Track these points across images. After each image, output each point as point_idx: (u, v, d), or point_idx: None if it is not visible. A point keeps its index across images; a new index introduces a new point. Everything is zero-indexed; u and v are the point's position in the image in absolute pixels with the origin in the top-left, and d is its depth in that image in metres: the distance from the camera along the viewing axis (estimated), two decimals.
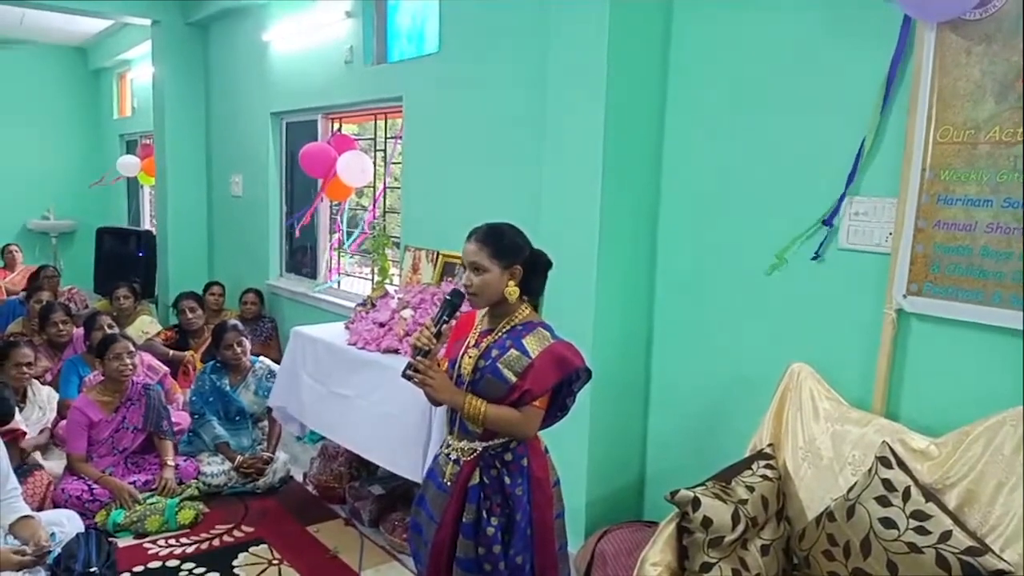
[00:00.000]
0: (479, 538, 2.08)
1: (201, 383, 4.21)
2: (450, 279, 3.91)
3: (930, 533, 1.93)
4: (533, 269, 2.11)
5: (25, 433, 3.66)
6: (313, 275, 5.72)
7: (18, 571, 2.65)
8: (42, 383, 4.32)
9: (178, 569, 3.18)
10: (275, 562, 3.26)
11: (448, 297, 2.08)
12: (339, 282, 5.54)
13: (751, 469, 2.32)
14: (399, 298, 3.73)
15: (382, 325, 3.53)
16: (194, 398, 4.20)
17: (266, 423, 4.26)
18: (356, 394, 3.37)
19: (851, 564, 2.07)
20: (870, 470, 2.09)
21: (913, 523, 1.96)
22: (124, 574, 3.09)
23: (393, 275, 4.39)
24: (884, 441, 2.13)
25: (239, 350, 4.22)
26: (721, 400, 2.80)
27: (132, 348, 3.87)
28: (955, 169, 2.13)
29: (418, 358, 2.01)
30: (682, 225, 2.91)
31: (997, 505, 1.94)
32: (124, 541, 3.38)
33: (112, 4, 6.36)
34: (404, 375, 2.03)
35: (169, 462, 3.79)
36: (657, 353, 3.04)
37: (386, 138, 4.98)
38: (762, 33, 2.61)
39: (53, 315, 4.84)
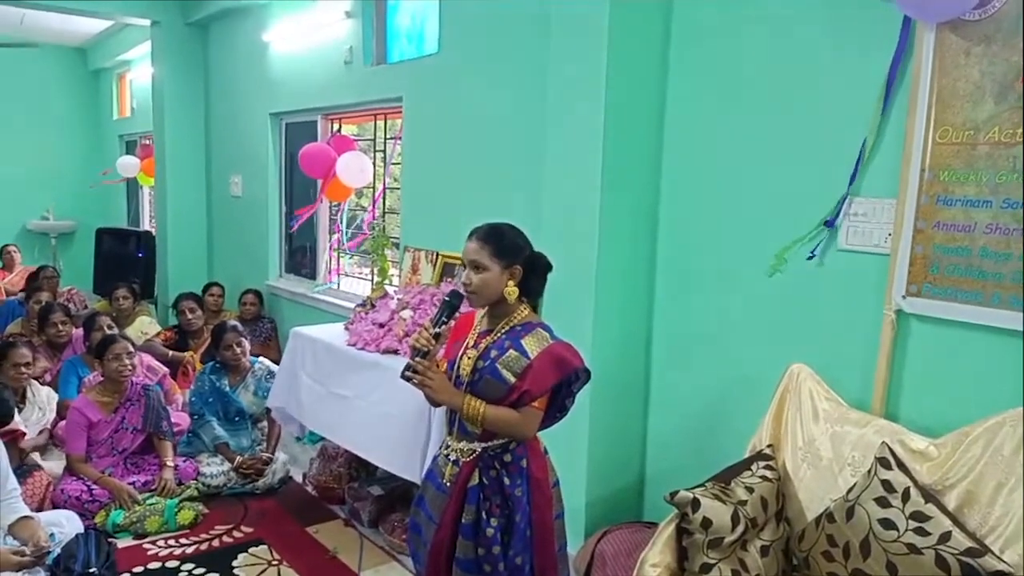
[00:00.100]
0: (478, 539, 2.08)
1: (200, 384, 4.21)
2: (449, 280, 3.91)
3: (930, 534, 1.93)
4: (533, 270, 2.11)
5: (24, 434, 3.66)
6: (312, 276, 5.71)
7: (17, 572, 2.65)
8: (41, 383, 4.32)
9: (178, 570, 3.18)
10: (274, 563, 3.26)
11: (447, 298, 2.08)
12: (338, 283, 5.54)
13: (751, 470, 2.32)
14: (398, 299, 3.73)
15: (381, 326, 3.53)
16: (193, 399, 4.20)
17: (265, 424, 4.26)
18: (355, 395, 3.37)
19: (851, 565, 2.07)
20: (869, 471, 2.09)
21: (912, 524, 1.96)
22: (123, 575, 3.09)
23: (392, 276, 4.39)
24: (883, 442, 2.13)
25: (238, 351, 4.22)
26: (720, 401, 2.80)
27: (131, 349, 3.87)
28: (954, 170, 2.13)
29: (417, 359, 2.01)
30: (682, 225, 2.91)
31: (997, 506, 1.94)
32: (123, 542, 3.38)
33: (112, 4, 6.36)
34: (403, 376, 2.03)
35: (168, 463, 3.79)
36: (657, 354, 3.04)
37: (386, 139, 4.98)
38: (762, 34, 2.61)
39: (52, 316, 4.84)
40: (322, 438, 3.98)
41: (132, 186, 9.15)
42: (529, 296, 2.14)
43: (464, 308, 2.16)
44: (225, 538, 3.47)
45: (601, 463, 2.95)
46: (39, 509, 3.25)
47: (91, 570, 2.81)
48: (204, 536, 3.47)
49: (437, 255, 4.11)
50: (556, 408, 2.11)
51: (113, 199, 9.51)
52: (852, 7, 2.35)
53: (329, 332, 3.77)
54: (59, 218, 9.53)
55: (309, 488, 3.99)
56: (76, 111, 9.70)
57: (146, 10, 6.40)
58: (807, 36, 2.49)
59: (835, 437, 2.29)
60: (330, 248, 5.58)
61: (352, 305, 4.36)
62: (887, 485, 2.03)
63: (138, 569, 3.17)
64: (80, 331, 4.82)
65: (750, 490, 2.23)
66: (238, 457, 3.99)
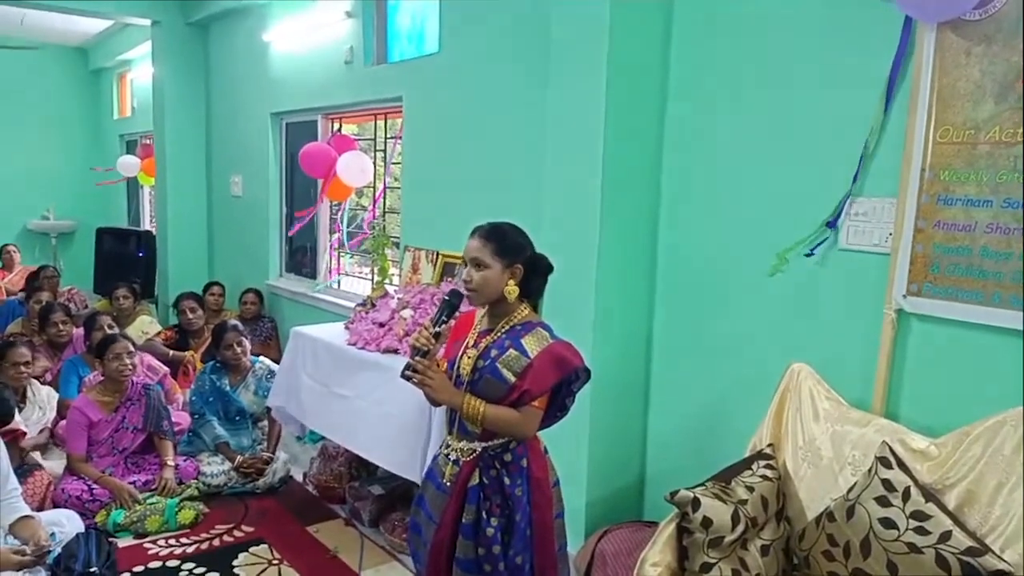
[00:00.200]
0: (479, 538, 2.08)
1: (201, 383, 4.22)
2: (450, 279, 3.91)
3: (930, 533, 1.93)
4: (534, 270, 2.11)
5: (25, 433, 3.67)
6: (313, 275, 5.72)
7: (18, 571, 2.65)
8: (42, 383, 4.33)
9: (178, 569, 3.18)
10: (275, 562, 3.26)
11: (447, 297, 2.08)
12: (339, 282, 5.54)
13: (751, 469, 2.32)
14: (399, 298, 3.73)
15: (382, 325, 3.53)
16: (194, 398, 4.20)
17: (266, 423, 4.26)
18: (356, 394, 3.37)
19: (851, 564, 2.07)
20: (870, 470, 2.09)
21: (913, 523, 1.96)
22: (124, 574, 3.10)
23: (393, 275, 4.39)
24: (884, 441, 2.13)
25: (239, 350, 4.22)
26: (721, 400, 2.80)
27: (132, 348, 3.87)
28: (955, 169, 2.13)
29: (417, 358, 2.01)
30: (682, 225, 2.91)
31: (997, 505, 1.94)
32: (124, 541, 3.38)
33: (112, 4, 6.36)
34: (403, 375, 2.03)
35: (169, 462, 3.79)
36: (657, 353, 3.04)
37: (386, 138, 4.98)
38: (763, 34, 2.61)
39: (53, 315, 4.84)
40: (322, 437, 3.98)
41: (132, 186, 9.16)
42: (529, 296, 2.14)
43: (464, 307, 2.16)
44: (226, 537, 3.47)
45: (601, 462, 2.96)
46: (40, 508, 3.25)
47: (92, 569, 2.81)
48: (205, 535, 3.47)
49: (437, 254, 4.11)
50: (556, 407, 2.11)
51: (113, 199, 9.51)
52: (853, 7, 2.35)
53: (329, 331, 3.77)
54: (59, 218, 9.54)
55: (310, 487, 3.99)
56: (77, 111, 9.71)
57: (147, 10, 6.40)
58: (808, 36, 2.48)
59: (835, 436, 2.29)
60: (330, 247, 5.59)
61: (352, 304, 4.36)
62: (887, 484, 2.03)
63: (139, 568, 3.18)
64: (81, 331, 4.83)
65: (750, 489, 2.23)
66: (239, 456, 3.99)
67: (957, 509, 1.99)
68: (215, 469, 3.91)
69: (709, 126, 2.79)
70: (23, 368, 3.95)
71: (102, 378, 3.86)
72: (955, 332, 2.17)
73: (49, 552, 2.75)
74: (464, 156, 3.95)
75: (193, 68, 6.66)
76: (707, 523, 2.12)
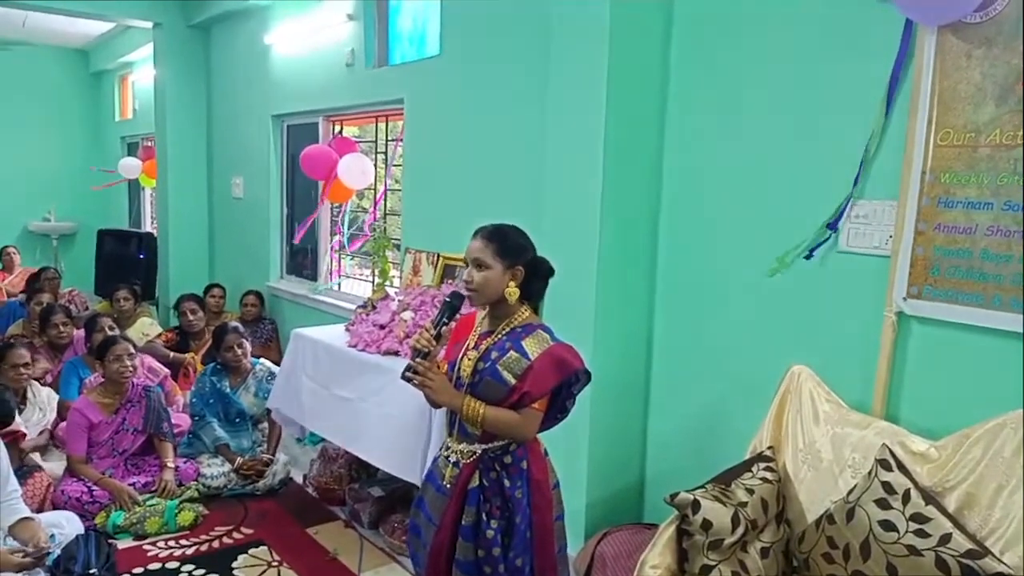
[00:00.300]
0: (478, 540, 2.08)
1: (201, 385, 4.21)
2: (450, 281, 3.91)
3: (930, 536, 1.92)
4: (535, 272, 2.12)
5: (25, 434, 3.67)
6: (313, 277, 5.72)
7: (18, 573, 2.65)
8: (42, 385, 4.33)
9: (178, 571, 3.18)
10: (275, 564, 3.25)
11: (448, 299, 2.09)
12: (339, 284, 5.54)
13: (751, 471, 2.32)
14: (399, 300, 3.73)
15: (382, 327, 3.54)
16: (194, 400, 4.20)
17: (266, 425, 4.26)
18: (356, 396, 3.37)
19: (851, 567, 2.07)
20: (870, 473, 2.08)
21: (913, 526, 1.96)
22: None
23: (393, 277, 4.39)
24: (884, 444, 2.12)
25: (239, 352, 4.22)
26: (721, 402, 2.80)
27: (132, 350, 3.87)
28: (955, 172, 2.13)
29: (418, 360, 2.01)
30: (683, 227, 2.91)
31: (997, 508, 1.94)
32: (124, 543, 3.38)
33: (114, 6, 6.37)
34: (403, 377, 2.03)
35: (169, 464, 3.79)
36: (657, 355, 3.04)
37: (387, 140, 4.99)
38: (764, 36, 2.61)
39: (53, 317, 4.84)
40: (322, 439, 3.98)
41: (134, 187, 9.17)
42: (530, 299, 2.14)
43: (465, 309, 2.17)
44: (225, 539, 3.47)
45: (601, 464, 2.95)
46: (39, 510, 3.25)
47: (91, 571, 2.81)
48: (204, 537, 3.47)
49: (438, 256, 4.12)
50: (556, 409, 2.10)
51: (114, 200, 9.52)
52: (854, 10, 2.36)
53: (330, 333, 3.77)
54: (60, 219, 9.55)
55: (309, 489, 3.99)
56: (78, 113, 9.72)
57: (148, 12, 6.41)
58: (809, 39, 2.49)
59: (836, 439, 2.29)
60: (331, 249, 5.59)
61: (353, 306, 4.36)
62: (887, 487, 2.03)
63: (138, 570, 3.17)
64: (81, 332, 4.83)
65: (750, 492, 2.23)
66: (239, 458, 3.99)
67: (957, 512, 1.98)
68: (215, 471, 3.91)
69: (709, 127, 2.79)
70: (23, 370, 3.95)
71: (102, 380, 3.86)
72: (955, 335, 2.17)
73: (48, 553, 2.75)
74: (465, 158, 3.95)
75: (194, 70, 6.67)
76: (707, 525, 2.12)
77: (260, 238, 6.14)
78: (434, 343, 2.03)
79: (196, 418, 4.15)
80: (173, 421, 4.04)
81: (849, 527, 2.07)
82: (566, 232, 2.90)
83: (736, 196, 2.72)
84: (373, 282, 4.80)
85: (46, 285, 5.96)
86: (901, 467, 2.05)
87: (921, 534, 1.94)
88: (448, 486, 2.12)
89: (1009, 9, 2.02)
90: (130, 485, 3.63)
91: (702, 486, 2.25)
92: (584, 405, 2.61)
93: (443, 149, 4.12)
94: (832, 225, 2.43)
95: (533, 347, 2.04)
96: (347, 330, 3.73)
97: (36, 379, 4.28)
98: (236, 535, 3.51)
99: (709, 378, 2.84)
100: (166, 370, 4.64)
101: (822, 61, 2.45)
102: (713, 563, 2.12)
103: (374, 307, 3.81)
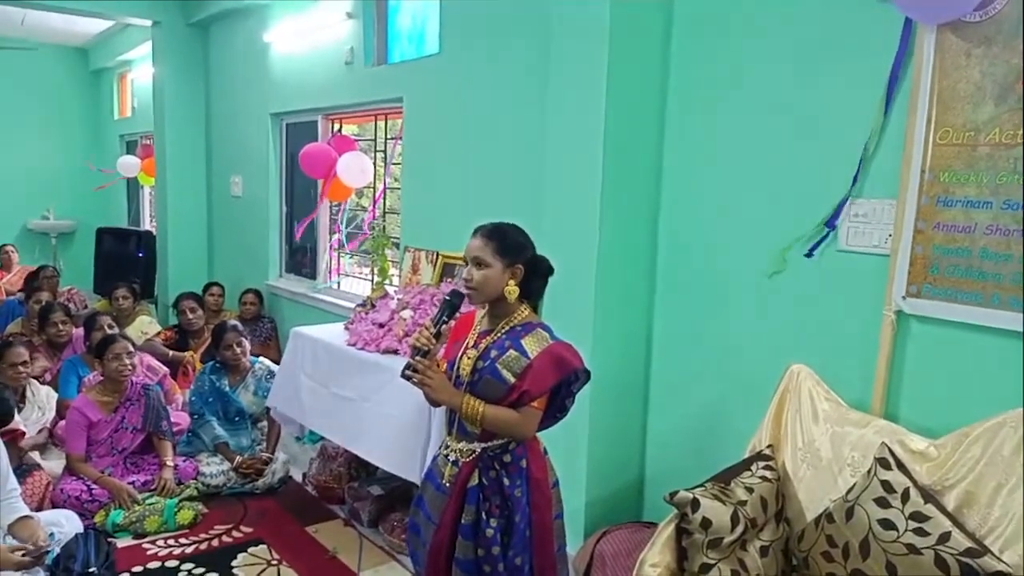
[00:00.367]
0: (478, 539, 2.08)
1: (200, 383, 4.21)
2: (450, 280, 3.91)
3: (929, 534, 1.93)
4: (534, 271, 2.12)
5: (24, 433, 3.66)
6: (313, 276, 5.72)
7: (17, 571, 2.65)
8: (41, 383, 4.33)
9: (177, 569, 3.18)
10: (274, 562, 3.25)
11: (447, 298, 2.08)
12: (339, 283, 5.54)
13: (750, 470, 2.32)
14: (398, 299, 3.73)
15: (381, 326, 3.53)
16: (193, 398, 4.20)
17: (265, 423, 4.26)
18: (355, 395, 3.37)
19: (850, 565, 2.07)
20: (869, 471, 2.09)
21: (912, 524, 1.96)
22: (123, 574, 3.09)
23: (393, 276, 4.39)
24: (883, 442, 2.13)
25: (239, 351, 4.22)
26: (720, 401, 2.80)
27: (131, 348, 3.87)
28: (955, 171, 2.13)
29: (417, 358, 2.01)
30: (683, 225, 2.91)
31: (996, 507, 1.94)
32: (123, 541, 3.38)
33: (113, 5, 6.36)
34: (403, 375, 2.03)
35: (168, 462, 3.79)
36: (657, 354, 3.04)
37: (386, 139, 4.99)
38: (764, 35, 2.61)
39: (52, 315, 4.84)
40: (322, 438, 3.98)
41: (133, 186, 9.16)
42: (529, 297, 2.14)
43: (465, 308, 2.17)
44: (225, 538, 3.47)
45: (601, 463, 2.96)
46: (39, 509, 3.25)
47: (90, 570, 2.81)
48: (204, 536, 3.47)
49: (437, 255, 4.11)
50: (556, 408, 2.11)
51: (113, 199, 9.51)
52: (853, 9, 2.36)
53: (329, 332, 3.77)
54: (59, 218, 9.54)
55: (309, 488, 3.99)
56: (77, 111, 9.71)
57: (147, 10, 6.41)
58: (809, 38, 2.49)
59: (835, 437, 2.29)
60: (330, 248, 5.59)
61: (352, 305, 4.36)
62: (887, 485, 2.03)
63: (137, 569, 3.17)
64: (80, 331, 4.83)
65: (750, 490, 2.23)
66: (238, 457, 3.99)
67: (956, 510, 1.99)
68: (214, 469, 3.91)
69: (709, 126, 2.79)
70: (21, 368, 3.94)
71: (101, 378, 3.86)
72: (954, 333, 2.17)
73: (48, 552, 2.75)
74: (464, 157, 3.95)
75: (193, 68, 6.67)
76: (706, 524, 2.12)
77: (259, 237, 6.13)
78: (434, 341, 2.03)
79: (195, 416, 4.15)
80: (172, 419, 4.04)
81: (848, 526, 2.07)
82: (566, 231, 2.90)
83: (736, 196, 2.72)
84: (372, 280, 4.80)
85: (45, 283, 5.95)
86: (900, 466, 2.05)
87: (920, 533, 1.94)
88: (447, 485, 2.12)
89: (1009, 8, 2.01)
90: (129, 484, 3.63)
91: (701, 485, 2.25)
92: (583, 404, 2.61)
93: (442, 148, 4.12)
94: (830, 223, 2.44)
95: (533, 346, 2.04)
96: (346, 329, 3.73)
97: (35, 377, 4.28)
98: (235, 534, 3.51)
99: (708, 377, 2.84)
100: (165, 368, 4.64)
101: (822, 60, 2.45)
102: (712, 561, 2.12)
103: (373, 306, 3.81)
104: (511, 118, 3.61)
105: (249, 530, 3.54)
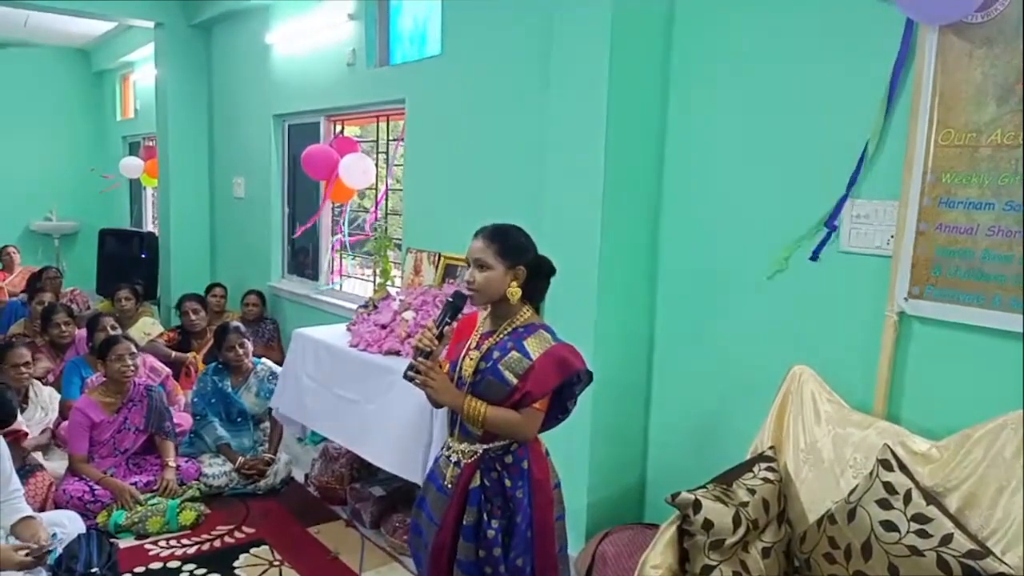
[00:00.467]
0: (479, 540, 2.08)
1: (203, 384, 4.22)
2: (452, 281, 3.91)
3: (931, 536, 1.92)
4: (536, 272, 2.12)
5: (27, 434, 3.67)
6: (315, 277, 5.72)
7: (19, 571, 2.65)
8: (44, 384, 4.33)
9: (179, 570, 3.18)
10: (276, 563, 3.26)
11: (450, 299, 2.09)
12: (341, 284, 5.54)
13: (752, 472, 2.32)
14: (401, 300, 3.73)
15: (384, 327, 3.54)
16: (196, 399, 4.21)
17: (267, 424, 4.26)
18: (357, 396, 3.37)
19: (852, 567, 2.07)
20: (871, 473, 2.08)
21: (914, 526, 1.96)
22: (125, 575, 3.10)
23: (395, 277, 4.39)
24: (885, 444, 2.13)
25: (241, 352, 4.22)
26: (722, 402, 2.80)
27: (134, 349, 3.87)
28: (957, 172, 2.13)
29: (419, 359, 2.01)
30: (684, 227, 2.91)
31: (998, 508, 1.94)
32: (125, 542, 3.38)
33: (115, 6, 6.37)
34: (405, 376, 2.03)
35: (171, 463, 3.79)
36: (658, 355, 3.04)
37: (388, 140, 4.99)
38: (765, 36, 2.61)
39: (55, 316, 4.85)
40: (324, 439, 3.99)
41: (135, 187, 9.18)
42: (532, 298, 2.14)
43: (467, 309, 2.17)
44: (227, 539, 3.47)
45: (602, 464, 2.96)
46: (41, 509, 3.25)
47: (93, 570, 2.81)
48: (206, 537, 3.47)
49: (439, 256, 4.12)
50: (558, 410, 2.11)
51: (116, 200, 9.53)
52: (855, 10, 2.36)
53: (331, 333, 3.78)
54: (62, 219, 9.55)
55: (311, 489, 3.99)
56: (79, 112, 9.73)
57: (150, 12, 6.42)
58: (810, 39, 2.49)
59: (837, 439, 2.29)
60: (332, 249, 5.59)
61: (354, 306, 4.36)
62: (889, 487, 2.03)
63: (140, 569, 3.18)
64: (83, 332, 4.84)
65: (752, 492, 2.23)
66: (240, 458, 4.00)
67: (958, 512, 1.98)
68: (216, 470, 3.91)
69: (710, 128, 2.79)
70: (23, 369, 3.95)
71: (104, 379, 3.87)
72: (957, 335, 2.17)
73: (50, 552, 2.75)
74: (466, 158, 3.95)
75: (196, 70, 6.68)
76: (708, 525, 2.12)
77: (261, 238, 6.14)
78: (436, 343, 2.03)
79: (198, 417, 4.16)
80: (175, 420, 4.04)
81: (850, 527, 2.07)
82: (567, 232, 2.90)
83: (738, 196, 2.72)
84: (374, 282, 4.80)
85: (48, 284, 5.97)
86: (902, 467, 2.05)
87: (922, 534, 1.94)
88: (449, 486, 2.12)
89: (1010, 9, 2.01)
90: (132, 484, 3.63)
91: (703, 486, 2.25)
92: (585, 405, 2.61)
93: (444, 149, 4.13)
94: (829, 223, 2.43)
95: (535, 347, 2.04)
96: (348, 330, 3.73)
97: (38, 378, 4.29)
98: (237, 534, 3.51)
99: (710, 378, 2.84)
100: (168, 369, 4.64)
101: (823, 61, 2.45)
102: (714, 563, 2.12)
103: (375, 307, 3.81)
104: (512, 119, 3.61)
105: (251, 531, 3.55)
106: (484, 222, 2.14)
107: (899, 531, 1.97)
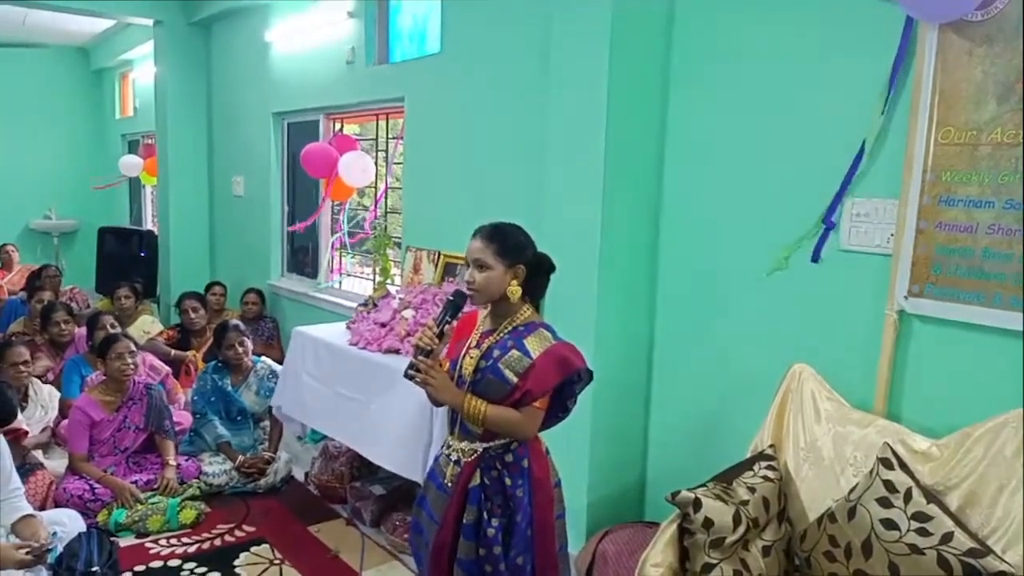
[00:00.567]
0: (480, 539, 2.08)
1: (203, 383, 4.22)
2: (451, 279, 3.91)
3: (931, 535, 1.93)
4: (536, 270, 2.12)
5: (27, 432, 3.67)
6: (314, 275, 5.72)
7: (19, 570, 2.65)
8: (44, 382, 4.33)
9: (179, 569, 3.19)
10: (276, 562, 3.26)
11: (450, 297, 2.09)
12: (340, 282, 5.54)
13: (752, 470, 2.32)
14: (400, 298, 3.73)
15: (383, 325, 3.54)
16: (196, 398, 4.21)
17: (267, 423, 4.26)
18: (357, 394, 3.37)
19: (852, 565, 2.07)
20: (871, 471, 2.09)
21: (915, 524, 1.96)
22: (126, 574, 3.10)
23: (394, 275, 4.39)
24: (885, 442, 2.13)
25: (241, 350, 4.22)
26: (722, 401, 2.80)
27: (134, 348, 3.87)
28: (956, 170, 2.13)
29: (420, 358, 2.02)
30: (684, 226, 2.91)
31: (998, 507, 1.94)
32: (126, 540, 3.38)
33: (114, 4, 6.37)
34: (406, 375, 2.03)
35: (171, 462, 3.79)
36: (659, 354, 3.04)
37: (388, 138, 4.99)
38: (765, 34, 2.61)
39: (55, 315, 4.85)
40: (324, 437, 3.99)
41: (134, 185, 9.17)
42: (532, 296, 2.14)
43: (467, 308, 2.17)
44: (227, 537, 3.47)
45: (603, 463, 2.96)
46: (41, 508, 3.25)
47: (93, 569, 2.81)
48: (206, 535, 3.47)
49: (439, 255, 4.12)
50: (558, 408, 2.11)
51: (115, 198, 9.52)
52: (855, 8, 2.35)
53: (331, 332, 3.78)
54: (61, 217, 9.55)
55: (311, 487, 3.99)
56: (79, 110, 9.72)
57: (149, 10, 6.41)
58: (810, 37, 2.48)
59: (837, 437, 2.29)
60: (332, 247, 5.59)
61: (354, 304, 4.36)
62: (889, 485, 2.03)
63: (140, 568, 3.18)
64: (83, 330, 4.83)
65: (752, 490, 2.23)
66: (240, 456, 4.00)
67: (959, 510, 1.99)
68: (217, 469, 3.91)
69: (710, 127, 2.79)
70: (22, 367, 3.95)
71: (104, 378, 3.87)
72: (957, 333, 2.17)
73: (50, 550, 2.75)
74: (466, 156, 3.95)
75: (195, 68, 6.67)
76: (708, 524, 2.12)
77: (261, 236, 6.14)
78: (436, 341, 2.03)
79: (198, 416, 4.16)
80: (174, 419, 4.04)
81: (851, 525, 2.07)
82: (567, 231, 2.89)
83: (737, 195, 2.72)
84: (374, 280, 4.81)
85: (47, 283, 5.96)
86: (903, 466, 2.05)
87: (923, 533, 1.94)
88: (449, 484, 2.13)
89: (1010, 7, 2.01)
90: (132, 483, 3.64)
91: (703, 484, 2.25)
92: (585, 404, 2.61)
93: (444, 147, 4.12)
94: (826, 220, 2.43)
95: (535, 346, 2.04)
96: (348, 328, 3.73)
97: (37, 377, 4.29)
98: (238, 533, 3.51)
99: (710, 377, 2.84)
100: (167, 368, 4.64)
101: (823, 59, 2.45)
102: (715, 561, 2.13)
103: (375, 305, 3.82)
104: (512, 117, 3.61)
105: (251, 529, 3.55)
106: (484, 220, 2.14)
107: (899, 529, 1.98)
